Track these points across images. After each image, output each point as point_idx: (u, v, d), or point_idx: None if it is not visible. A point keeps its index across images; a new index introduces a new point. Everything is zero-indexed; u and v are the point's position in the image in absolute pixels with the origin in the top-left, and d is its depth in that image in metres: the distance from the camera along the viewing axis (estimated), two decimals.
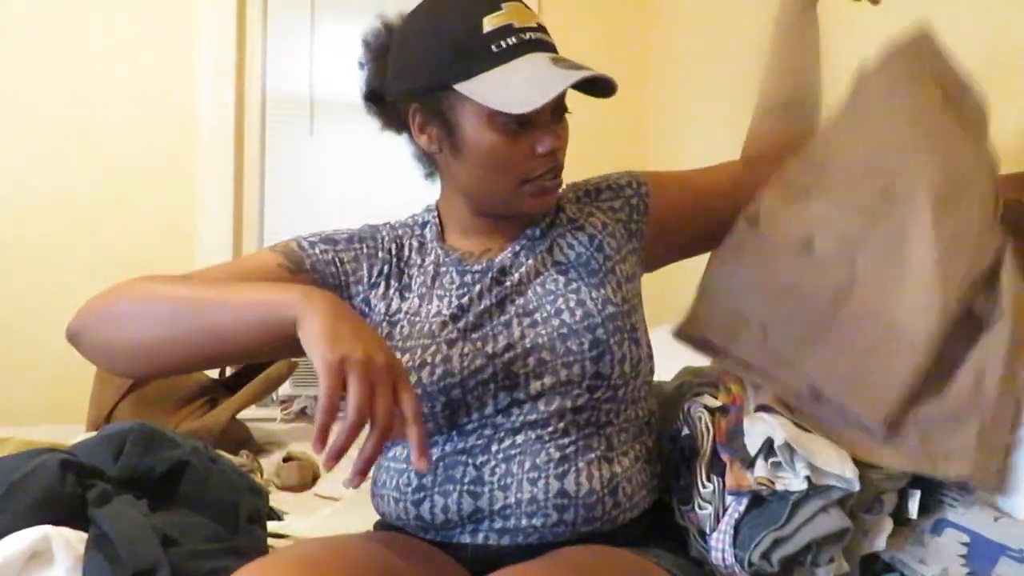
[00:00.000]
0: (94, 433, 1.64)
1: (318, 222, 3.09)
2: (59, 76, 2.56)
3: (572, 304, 1.03)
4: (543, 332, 1.02)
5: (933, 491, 1.05)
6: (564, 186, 1.14)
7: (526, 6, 1.03)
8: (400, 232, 1.16)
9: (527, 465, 0.97)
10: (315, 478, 1.85)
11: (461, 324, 1.03)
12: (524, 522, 0.96)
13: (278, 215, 2.80)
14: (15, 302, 2.50)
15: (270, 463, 1.90)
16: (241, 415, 2.03)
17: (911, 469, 1.01)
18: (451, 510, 0.98)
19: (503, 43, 0.98)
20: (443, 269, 1.10)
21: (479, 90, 0.98)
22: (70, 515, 1.06)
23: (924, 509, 1.04)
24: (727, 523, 1.00)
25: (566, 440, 0.99)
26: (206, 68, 2.70)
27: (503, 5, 0.99)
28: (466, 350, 1.01)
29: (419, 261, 1.12)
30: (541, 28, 1.02)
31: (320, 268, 1.08)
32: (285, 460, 1.86)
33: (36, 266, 2.52)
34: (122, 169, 2.61)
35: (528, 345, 1.01)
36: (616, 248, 1.11)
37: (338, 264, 1.09)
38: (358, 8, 2.89)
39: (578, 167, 1.20)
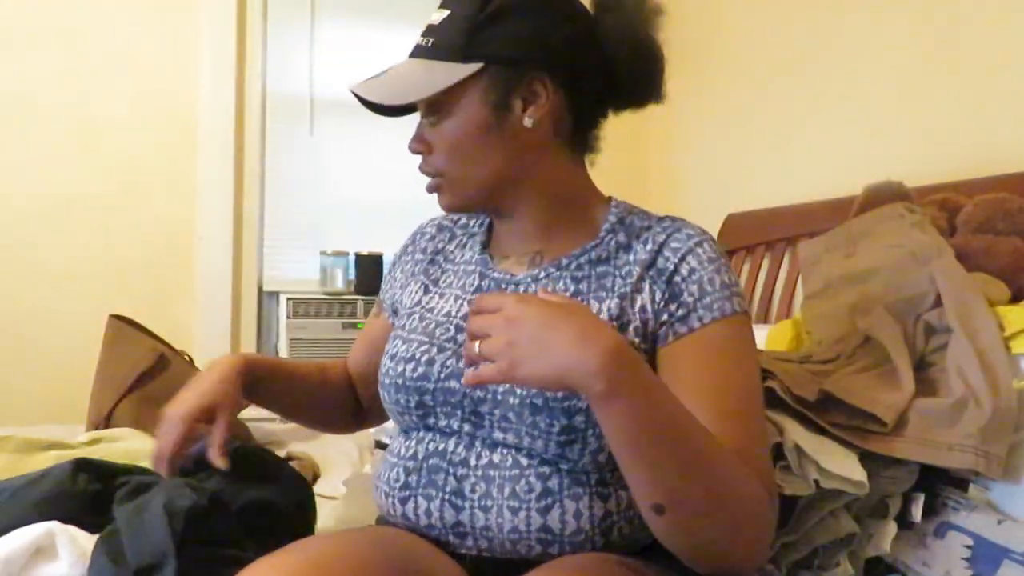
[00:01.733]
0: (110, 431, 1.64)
1: (318, 222, 3.08)
2: (59, 76, 2.55)
3: None
4: (518, 392, 0.93)
5: (936, 495, 1.05)
6: (684, 241, 0.99)
7: (442, 5, 1.02)
8: (457, 221, 1.18)
9: (507, 491, 0.93)
10: (315, 478, 1.85)
11: (461, 336, 1.01)
12: (508, 547, 0.94)
13: (278, 215, 2.79)
14: (15, 302, 2.49)
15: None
16: (241, 415, 2.02)
17: (917, 459, 1.02)
18: (434, 515, 0.96)
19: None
20: (471, 268, 1.09)
21: None
22: (81, 513, 1.05)
23: (928, 512, 1.05)
24: None
25: (547, 469, 0.93)
26: (206, 68, 2.69)
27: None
28: (447, 363, 0.99)
29: (457, 256, 1.13)
30: (427, 29, 1.01)
31: (387, 304, 1.21)
32: (285, 460, 1.86)
33: (36, 266, 2.52)
34: (122, 169, 2.60)
35: (499, 397, 0.94)
36: (642, 337, 0.96)
37: (392, 287, 1.20)
38: (358, 8, 2.89)
39: None
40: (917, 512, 1.03)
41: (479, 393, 0.96)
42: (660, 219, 1.05)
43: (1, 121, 2.50)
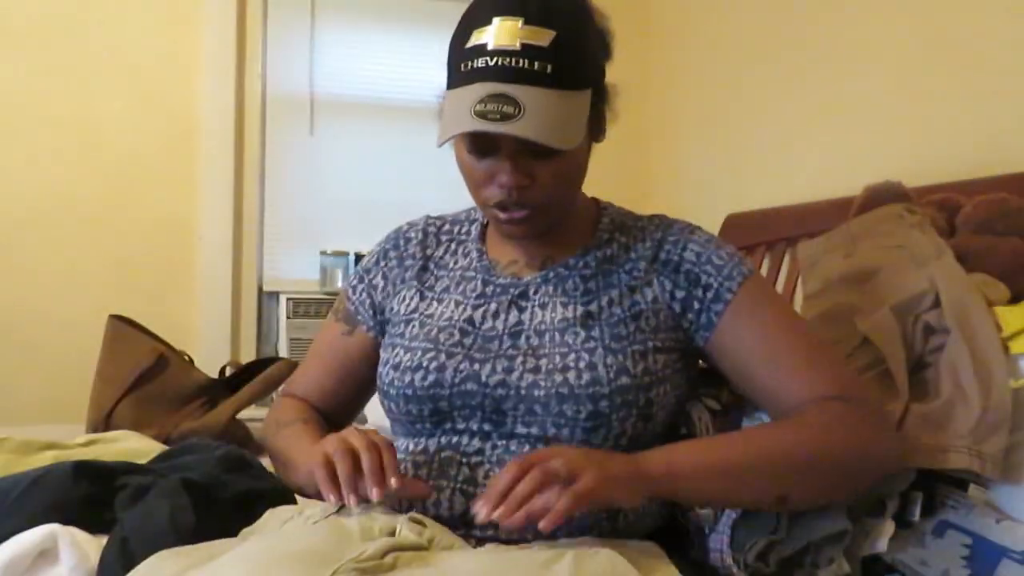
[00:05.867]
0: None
1: (318, 222, 3.08)
2: (59, 76, 2.55)
3: (582, 365, 0.96)
4: (543, 384, 0.96)
5: (935, 494, 1.05)
6: (666, 229, 1.07)
7: (529, 23, 0.92)
8: (440, 227, 1.17)
9: None
10: None
11: (468, 340, 1.02)
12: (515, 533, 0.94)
13: (278, 215, 2.79)
14: (15, 302, 2.50)
15: (270, 463, 1.89)
16: (241, 415, 2.02)
17: (912, 464, 1.02)
18: (443, 506, 0.96)
19: (469, 64, 0.93)
20: (470, 274, 1.09)
21: (444, 106, 0.98)
22: (83, 517, 1.05)
23: (926, 511, 1.05)
24: (725, 524, 1.00)
25: None
26: (206, 68, 2.69)
27: (493, 20, 0.93)
28: (461, 367, 1.00)
29: (450, 263, 1.12)
30: (525, 50, 0.91)
31: (363, 311, 1.17)
32: None
33: (36, 266, 2.52)
34: (122, 169, 2.60)
35: (523, 391, 0.97)
36: (654, 328, 1.01)
37: (372, 295, 1.16)
38: (358, 8, 2.90)
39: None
40: (915, 511, 1.03)
41: (500, 391, 0.97)
42: (649, 218, 1.12)
43: (1, 121, 2.50)
